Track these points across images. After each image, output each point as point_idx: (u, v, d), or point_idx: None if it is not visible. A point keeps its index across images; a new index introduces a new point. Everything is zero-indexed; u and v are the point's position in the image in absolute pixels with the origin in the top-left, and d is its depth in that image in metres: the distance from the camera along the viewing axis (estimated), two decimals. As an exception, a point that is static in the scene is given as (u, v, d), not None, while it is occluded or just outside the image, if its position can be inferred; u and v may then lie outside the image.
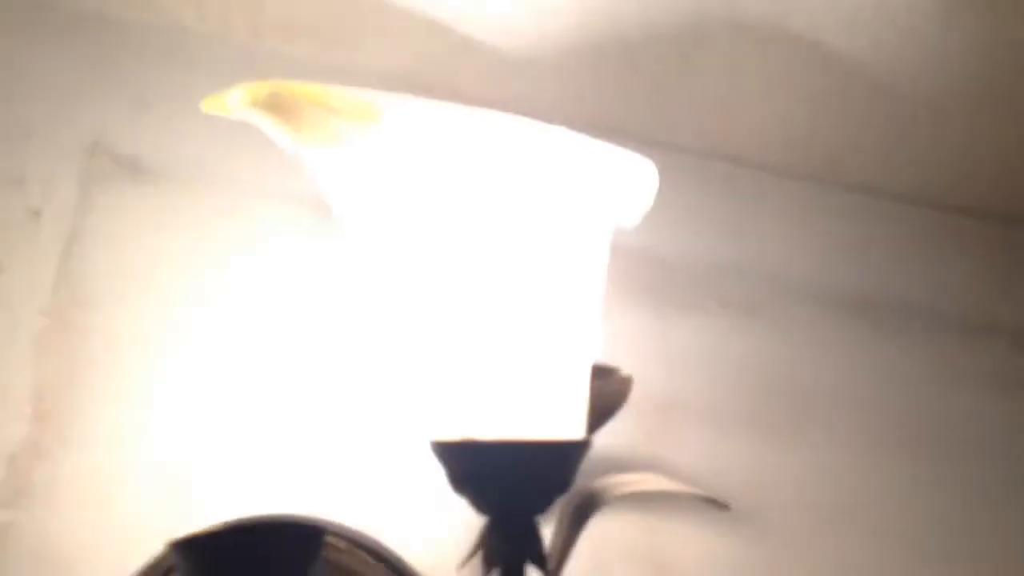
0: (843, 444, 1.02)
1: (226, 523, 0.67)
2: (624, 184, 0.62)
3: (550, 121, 0.97)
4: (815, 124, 1.05)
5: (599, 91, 0.99)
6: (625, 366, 0.86)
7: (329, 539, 0.64)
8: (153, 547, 0.67)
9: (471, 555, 0.60)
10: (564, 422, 0.60)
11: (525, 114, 0.97)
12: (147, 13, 0.88)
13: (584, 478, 0.65)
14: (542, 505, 0.60)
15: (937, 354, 1.12)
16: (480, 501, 0.60)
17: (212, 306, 0.80)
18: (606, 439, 0.77)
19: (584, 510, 0.64)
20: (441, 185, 0.55)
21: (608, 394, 0.72)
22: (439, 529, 0.77)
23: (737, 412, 0.97)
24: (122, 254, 0.79)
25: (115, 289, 0.78)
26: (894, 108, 1.01)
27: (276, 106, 0.53)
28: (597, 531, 0.70)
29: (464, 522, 0.72)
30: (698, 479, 0.91)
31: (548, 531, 0.63)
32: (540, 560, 0.59)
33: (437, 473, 0.61)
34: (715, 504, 0.67)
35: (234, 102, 0.53)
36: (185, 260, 0.81)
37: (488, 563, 0.59)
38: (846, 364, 1.07)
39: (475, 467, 0.58)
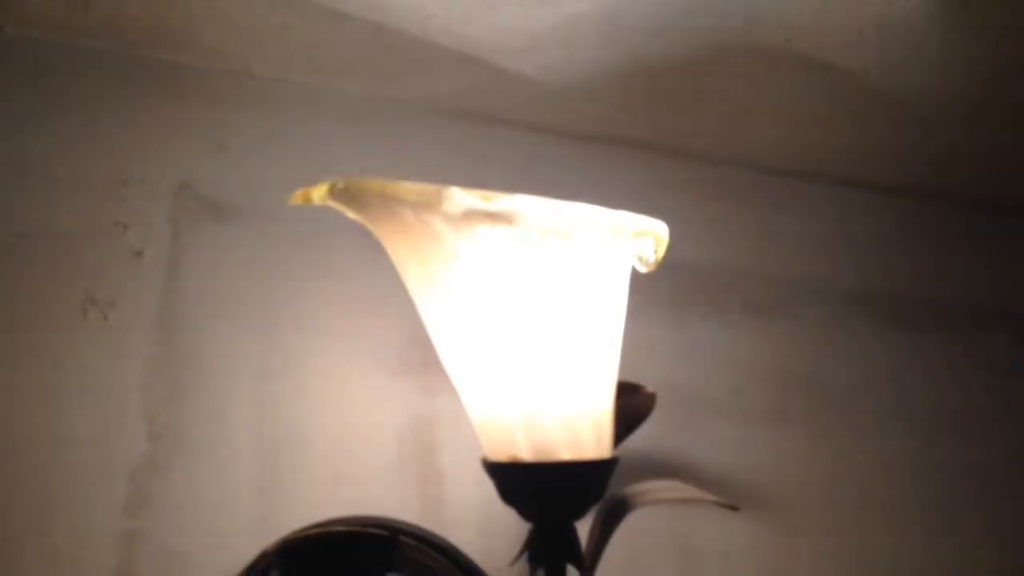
0: (861, 435, 1.10)
1: (315, 526, 0.78)
2: (643, 240, 0.71)
3: (582, 139, 1.07)
4: (827, 132, 1.12)
5: (626, 112, 1.07)
6: (654, 368, 0.96)
7: (401, 538, 0.75)
8: (254, 548, 0.79)
9: (519, 555, 0.71)
10: (596, 442, 0.70)
11: (558, 134, 1.07)
12: (217, 61, 0.97)
13: (620, 478, 0.76)
14: (578, 513, 0.71)
15: (951, 346, 1.19)
16: (525, 511, 0.71)
17: (295, 330, 0.91)
18: (638, 439, 0.88)
19: (615, 515, 0.75)
20: (495, 256, 0.65)
21: (634, 408, 0.82)
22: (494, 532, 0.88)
23: (760, 408, 1.05)
24: (214, 286, 0.89)
25: (211, 318, 0.88)
26: (901, 115, 1.08)
27: (350, 198, 0.64)
28: (630, 524, 0.80)
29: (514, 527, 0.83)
30: (723, 472, 1.00)
31: (584, 532, 0.74)
32: (578, 560, 0.70)
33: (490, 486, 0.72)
34: (726, 507, 0.77)
35: (316, 196, 0.63)
36: (268, 290, 0.91)
37: (533, 562, 0.70)
38: (864, 358, 1.14)
39: (521, 483, 0.70)
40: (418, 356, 0.91)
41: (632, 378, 0.85)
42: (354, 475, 0.88)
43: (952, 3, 0.90)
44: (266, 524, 0.83)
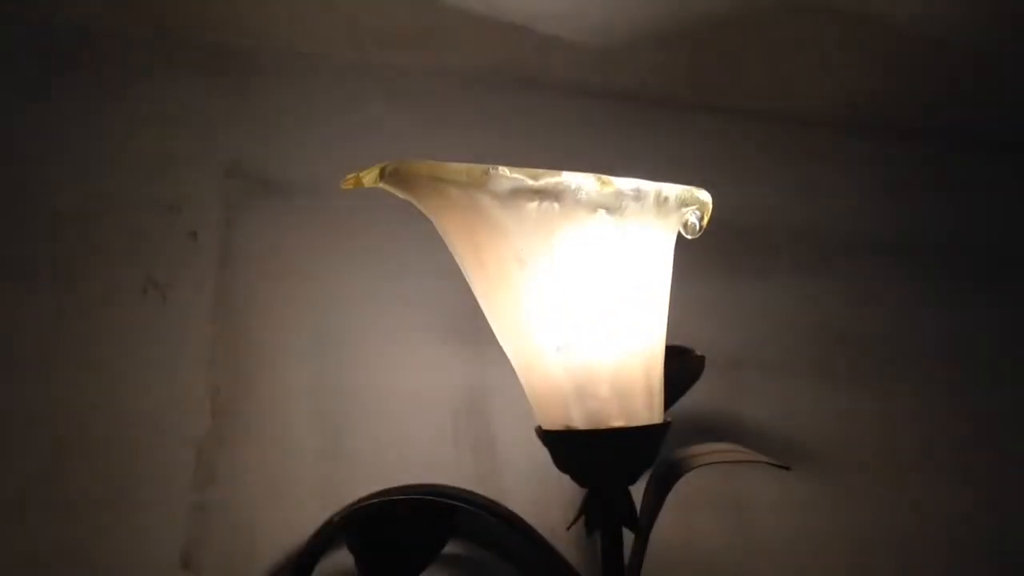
0: (906, 387, 1.10)
1: (376, 495, 0.81)
2: (689, 209, 0.72)
3: (627, 99, 1.07)
4: (869, 82, 1.11)
5: (668, 72, 1.08)
6: (702, 329, 0.97)
7: (460, 505, 0.78)
8: (318, 516, 0.83)
9: (576, 519, 0.73)
10: (647, 408, 0.72)
11: (601, 97, 1.07)
12: (263, 40, 0.98)
13: (672, 440, 0.77)
14: (632, 478, 0.72)
15: (998, 295, 1.18)
16: (580, 477, 0.73)
17: (348, 303, 0.93)
18: (689, 401, 0.89)
19: (668, 479, 0.77)
20: (542, 230, 0.67)
21: (684, 371, 0.83)
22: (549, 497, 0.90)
23: (806, 364, 1.06)
24: (268, 263, 0.92)
25: (267, 295, 0.90)
26: (942, 61, 1.07)
27: (399, 180, 0.65)
28: (683, 485, 0.81)
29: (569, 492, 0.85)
30: (771, 428, 1.01)
31: (639, 495, 0.76)
32: (633, 523, 0.72)
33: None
34: (778, 467, 0.78)
35: (367, 179, 0.65)
36: (321, 264, 0.93)
37: (590, 526, 0.72)
38: (910, 311, 1.14)
39: (574, 451, 0.71)
40: (469, 325, 0.92)
41: (680, 340, 0.86)
42: (411, 443, 0.90)
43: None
44: (328, 493, 0.85)
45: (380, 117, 1.01)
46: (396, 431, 0.90)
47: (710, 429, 0.97)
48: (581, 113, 1.08)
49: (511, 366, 0.75)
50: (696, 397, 0.89)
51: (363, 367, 0.91)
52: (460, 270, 0.73)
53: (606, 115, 1.10)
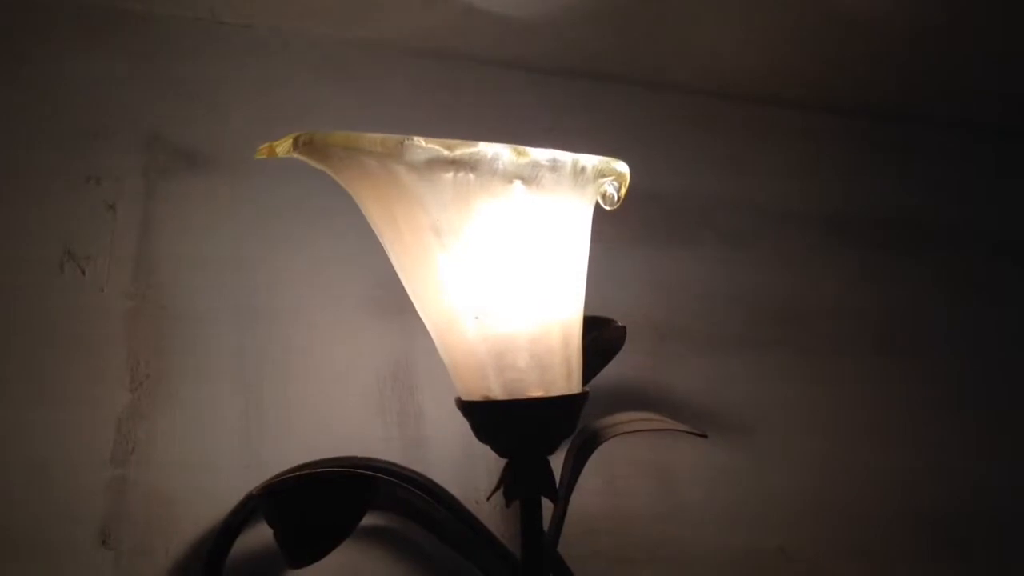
0: (824, 356, 1.13)
1: (296, 468, 0.81)
2: (606, 179, 0.72)
3: (552, 72, 1.07)
4: (795, 57, 1.13)
5: (596, 43, 1.08)
6: (626, 300, 0.98)
7: (381, 476, 0.78)
8: (240, 490, 0.83)
9: (495, 490, 0.73)
10: (565, 378, 0.72)
11: (528, 69, 1.07)
12: (183, 9, 0.96)
13: (595, 410, 0.78)
14: (550, 447, 0.73)
15: (919, 266, 1.21)
16: (499, 447, 0.73)
17: (270, 277, 0.92)
18: (611, 372, 0.90)
19: (586, 448, 0.77)
20: (458, 201, 0.66)
21: (605, 342, 0.84)
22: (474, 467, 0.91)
23: (731, 335, 1.08)
24: (188, 237, 0.91)
25: (187, 269, 0.89)
26: (868, 35, 1.08)
27: (314, 150, 0.65)
28: (608, 453, 0.83)
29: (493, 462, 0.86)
30: (696, 400, 1.03)
31: (557, 466, 0.77)
32: (552, 492, 0.72)
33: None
34: (695, 434, 0.79)
35: (280, 149, 0.64)
36: (242, 238, 0.92)
37: (508, 496, 0.72)
38: (820, 280, 1.17)
39: (494, 421, 0.72)
40: (393, 297, 0.92)
41: (605, 311, 0.87)
42: (336, 415, 0.90)
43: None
44: (251, 466, 0.85)
45: (305, 88, 1.00)
46: (321, 403, 0.90)
47: (633, 399, 0.98)
48: (508, 85, 1.09)
49: (437, 336, 0.75)
50: (619, 368, 0.91)
51: (286, 339, 0.91)
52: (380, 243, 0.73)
53: (533, 87, 1.10)
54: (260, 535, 0.81)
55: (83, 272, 0.86)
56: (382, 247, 0.73)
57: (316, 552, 0.72)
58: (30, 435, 0.80)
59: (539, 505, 0.73)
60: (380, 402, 0.91)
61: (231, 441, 0.86)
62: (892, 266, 1.22)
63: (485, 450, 0.74)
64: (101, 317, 0.86)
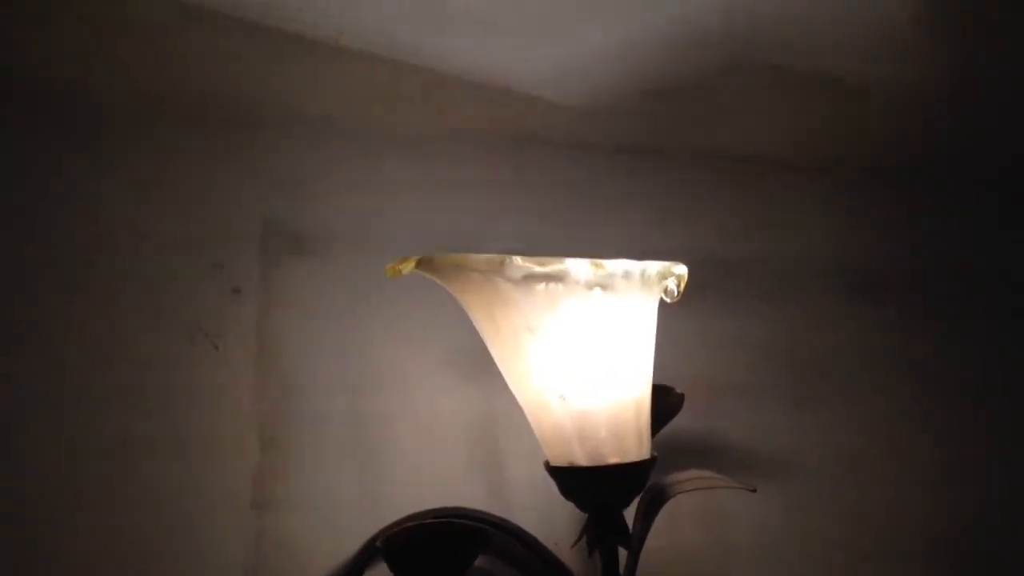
0: (860, 402, 1.25)
1: (410, 518, 0.96)
2: (667, 280, 0.86)
3: (605, 150, 1.21)
4: (821, 127, 1.26)
5: (643, 126, 1.22)
6: (680, 357, 1.11)
7: (490, 529, 0.92)
8: (355, 535, 0.97)
9: (579, 539, 0.88)
10: (637, 446, 0.86)
11: (585, 148, 1.21)
12: (288, 107, 1.11)
13: (661, 461, 0.91)
14: (625, 503, 0.87)
15: (932, 316, 1.33)
16: (582, 504, 0.88)
17: (373, 345, 1.06)
18: (670, 427, 1.03)
19: (655, 504, 0.92)
20: (549, 305, 0.81)
21: (667, 407, 0.98)
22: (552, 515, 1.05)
23: (774, 388, 1.21)
24: (303, 312, 1.05)
25: (303, 341, 1.04)
26: (878, 106, 1.21)
27: (432, 268, 0.79)
28: (669, 501, 0.96)
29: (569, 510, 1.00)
30: (744, 445, 1.16)
31: (631, 516, 0.91)
32: (626, 542, 0.87)
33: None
34: (744, 489, 0.93)
35: (405, 269, 0.78)
36: (348, 312, 1.06)
37: (591, 545, 0.87)
38: (853, 331, 1.28)
39: (578, 483, 0.86)
40: (479, 363, 1.04)
41: (659, 369, 1.00)
42: (431, 467, 1.04)
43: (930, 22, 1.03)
44: (365, 515, 0.99)
45: (392, 173, 1.14)
46: (418, 457, 1.04)
47: (687, 451, 1.11)
48: (568, 161, 1.22)
49: (513, 400, 0.89)
50: (675, 425, 1.04)
51: (389, 401, 1.05)
52: (468, 319, 0.87)
53: (589, 162, 1.23)
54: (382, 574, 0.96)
55: (216, 347, 1.01)
56: (466, 323, 0.87)
57: (432, 594, 0.86)
58: (179, 489, 0.95)
59: (616, 553, 0.87)
60: (468, 455, 1.06)
61: (345, 492, 1.00)
62: (913, 319, 1.33)
63: (559, 499, 0.88)
64: (232, 387, 1.00)
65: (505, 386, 0.89)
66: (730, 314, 1.22)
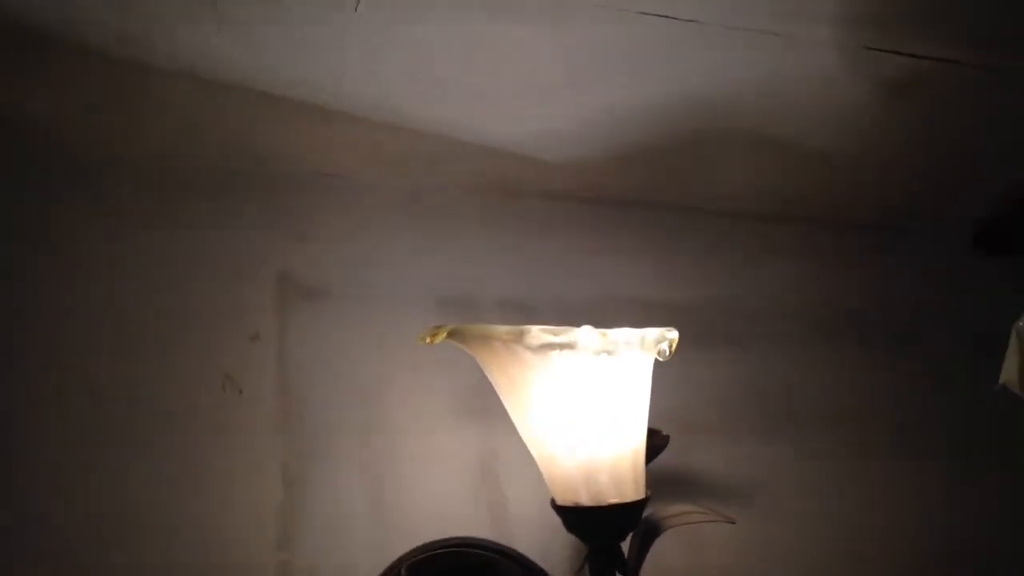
0: (824, 437, 1.37)
1: (421, 549, 1.06)
2: (662, 343, 0.98)
3: (590, 202, 1.33)
4: (788, 184, 1.39)
5: (625, 182, 1.33)
6: (662, 398, 1.22)
7: (503, 560, 1.04)
8: (374, 563, 1.07)
9: (580, 567, 1.00)
10: (633, 487, 0.98)
11: (570, 199, 1.32)
12: (299, 166, 1.21)
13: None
14: (622, 536, 0.99)
15: (895, 360, 1.46)
16: (584, 537, 0.99)
17: (383, 387, 1.16)
18: (654, 462, 1.15)
19: (648, 537, 1.03)
20: (562, 369, 0.92)
21: (653, 447, 1.10)
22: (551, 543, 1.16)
23: (745, 424, 1.33)
24: (318, 357, 1.15)
25: (319, 385, 1.14)
26: (838, 166, 1.34)
27: (460, 337, 0.90)
28: (652, 528, 1.08)
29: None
30: (716, 477, 1.28)
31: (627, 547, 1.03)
32: (625, 570, 0.99)
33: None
34: (725, 521, 1.06)
35: (437, 339, 0.89)
36: (359, 356, 1.16)
37: (592, 573, 0.99)
38: (821, 373, 1.41)
39: (582, 521, 0.98)
40: (481, 405, 1.16)
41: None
42: (438, 501, 1.14)
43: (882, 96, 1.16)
44: (379, 544, 1.09)
45: (393, 224, 1.24)
46: (426, 492, 1.14)
47: (669, 482, 1.23)
48: (556, 212, 1.33)
49: (516, 438, 0.99)
50: (658, 460, 1.15)
51: (400, 440, 1.15)
52: (472, 361, 0.97)
53: (575, 213, 1.34)
54: (399, 600, 1.06)
55: (240, 391, 1.10)
56: (469, 365, 0.98)
57: (452, 618, 0.97)
58: (212, 523, 1.04)
59: (615, 580, 0.99)
60: (474, 488, 1.16)
61: (361, 525, 1.10)
62: (875, 358, 1.45)
63: (557, 528, 0.99)
64: (257, 427, 1.10)
65: (507, 428, 1.00)
66: (702, 357, 1.33)
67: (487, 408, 1.17)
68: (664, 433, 1.11)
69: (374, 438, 1.15)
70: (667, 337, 0.99)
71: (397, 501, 1.13)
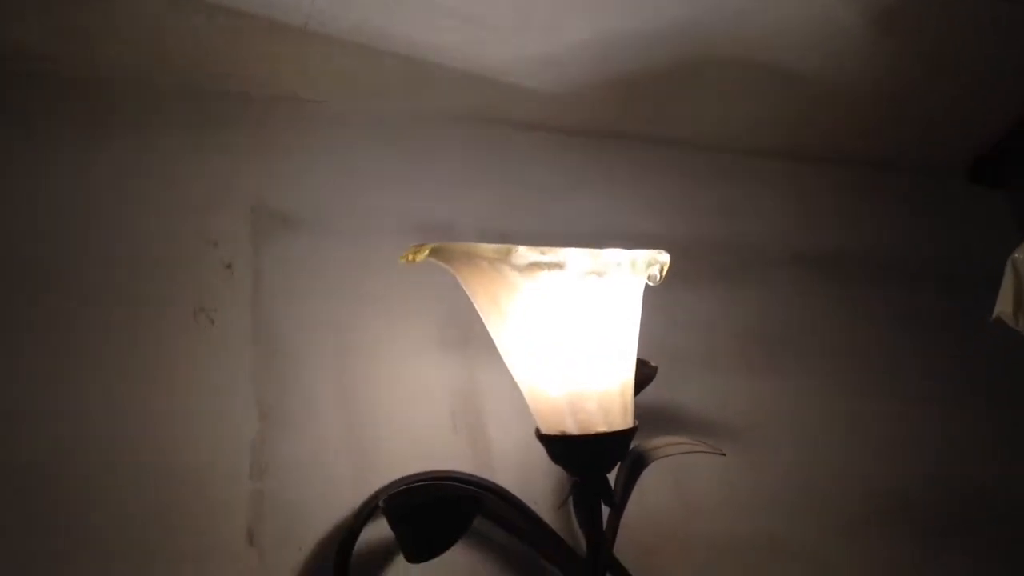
0: (811, 374, 1.36)
1: (401, 481, 1.03)
2: (653, 267, 0.95)
3: (579, 133, 1.29)
4: (778, 118, 1.36)
5: (615, 111, 1.30)
6: (650, 333, 1.20)
7: (485, 493, 1.00)
8: (348, 495, 1.04)
9: (565, 499, 0.97)
10: (622, 415, 0.95)
11: (556, 131, 1.28)
12: (273, 91, 1.16)
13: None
14: (609, 467, 0.96)
15: (874, 295, 1.45)
16: (569, 468, 0.96)
17: (360, 318, 1.12)
18: (642, 394, 1.12)
19: (636, 468, 1.01)
20: (550, 290, 0.89)
21: (643, 376, 1.07)
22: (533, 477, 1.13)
23: (729, 358, 1.31)
24: (292, 288, 1.10)
25: (294, 316, 1.09)
26: (835, 98, 1.32)
27: (444, 256, 0.87)
28: (637, 462, 1.05)
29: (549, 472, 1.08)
30: (702, 411, 1.26)
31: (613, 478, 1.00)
32: (611, 500, 0.96)
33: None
34: (715, 453, 1.03)
35: (419, 257, 0.85)
36: (336, 287, 1.12)
37: (578, 505, 0.96)
38: (806, 309, 1.39)
39: (569, 451, 0.94)
40: (462, 335, 1.13)
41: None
42: (418, 434, 1.10)
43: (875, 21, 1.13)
44: (357, 476, 1.05)
45: (373, 154, 1.20)
46: (405, 424, 1.10)
47: (656, 416, 1.21)
48: (541, 143, 1.29)
49: (497, 368, 0.97)
50: (646, 393, 1.12)
51: (377, 371, 1.11)
52: (452, 288, 0.94)
53: (560, 144, 1.31)
54: (378, 534, 1.02)
55: (212, 322, 1.06)
56: (457, 295, 0.95)
57: (432, 552, 0.94)
58: (183, 456, 1.00)
59: (601, 511, 0.96)
60: (452, 421, 1.13)
61: (340, 456, 1.06)
62: (860, 298, 1.44)
63: (542, 463, 0.97)
64: (230, 359, 1.06)
65: (490, 359, 0.97)
66: (689, 292, 1.31)
67: (469, 339, 1.15)
68: (652, 364, 1.08)
69: (351, 369, 1.11)
70: (658, 260, 0.95)
71: (375, 434, 1.09)
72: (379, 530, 1.02)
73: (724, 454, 1.03)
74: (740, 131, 1.39)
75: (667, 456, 1.01)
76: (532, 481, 1.12)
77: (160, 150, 1.10)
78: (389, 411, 1.11)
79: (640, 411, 1.02)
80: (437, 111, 1.24)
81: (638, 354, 1.01)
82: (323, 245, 1.14)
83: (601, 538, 0.97)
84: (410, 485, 1.00)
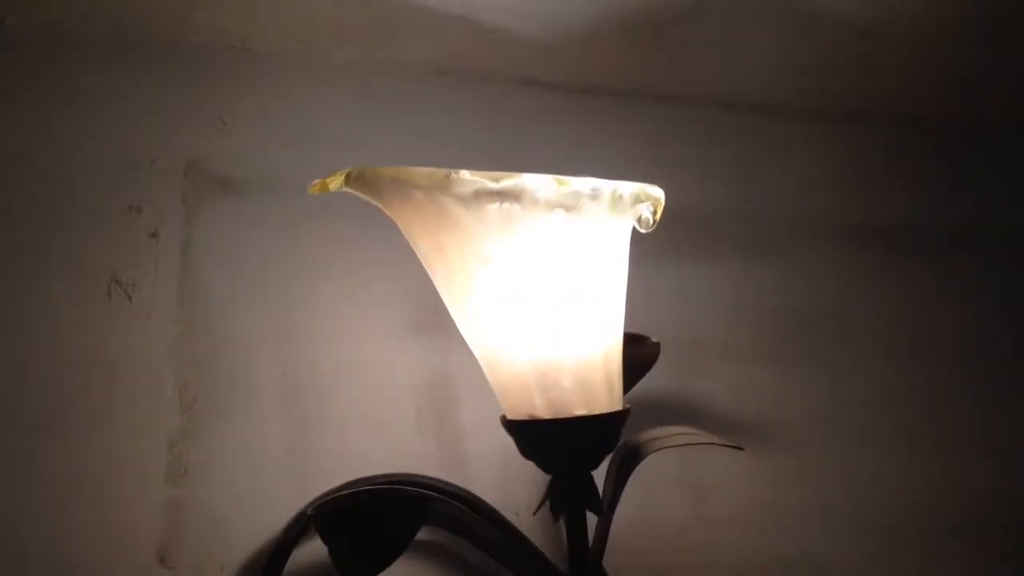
0: (853, 364, 1.17)
1: (346, 486, 0.84)
2: (642, 204, 0.75)
3: (578, 90, 1.11)
4: (811, 71, 1.16)
5: (613, 62, 1.11)
6: (656, 312, 1.01)
7: (434, 495, 0.81)
8: (290, 507, 0.86)
9: (541, 504, 0.76)
10: (607, 396, 0.75)
11: (549, 87, 1.10)
12: (216, 38, 0.99)
13: (631, 423, 0.80)
14: (594, 463, 0.76)
15: (921, 270, 1.25)
16: (545, 464, 0.76)
17: (309, 298, 0.95)
18: (645, 384, 0.92)
19: (629, 463, 0.80)
20: (504, 230, 0.69)
21: (641, 357, 0.87)
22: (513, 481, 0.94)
23: (751, 343, 1.12)
24: (229, 262, 0.93)
25: (229, 292, 0.92)
26: (873, 47, 1.12)
27: (365, 184, 0.68)
28: (644, 463, 0.85)
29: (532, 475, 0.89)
30: (721, 405, 1.06)
31: (601, 479, 0.80)
32: (596, 506, 0.76)
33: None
34: (731, 447, 0.82)
35: (333, 184, 0.67)
36: (280, 260, 0.95)
37: (555, 511, 0.75)
38: (842, 288, 1.20)
39: (539, 439, 0.75)
40: (429, 317, 0.95)
41: (632, 325, 0.89)
42: (377, 433, 0.92)
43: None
44: (298, 484, 0.88)
45: (333, 111, 1.03)
46: (362, 422, 0.92)
47: (666, 410, 1.01)
48: (530, 102, 1.11)
49: (471, 356, 0.78)
50: (651, 380, 0.93)
51: (326, 359, 0.94)
52: (419, 264, 0.76)
53: (554, 104, 1.13)
54: (313, 551, 0.84)
55: (130, 298, 0.89)
56: (420, 269, 0.77)
57: (371, 569, 0.74)
58: (84, 458, 0.83)
59: (584, 519, 0.76)
60: (418, 418, 0.94)
61: (279, 459, 0.89)
62: (904, 275, 1.25)
63: (523, 464, 0.77)
64: (149, 341, 0.89)
65: (460, 345, 0.79)
66: (705, 266, 1.13)
67: (437, 322, 0.96)
68: (654, 340, 0.87)
69: (295, 356, 0.93)
70: (650, 195, 0.75)
71: (323, 433, 0.91)
72: (317, 547, 0.82)
73: (742, 448, 0.82)
74: (760, 85, 1.19)
75: (668, 448, 0.80)
76: (515, 489, 0.93)
77: (81, 99, 0.93)
78: (341, 406, 0.93)
79: (641, 405, 0.85)
80: (406, 60, 1.07)
81: (637, 329, 0.82)
82: (269, 213, 0.97)
83: (586, 555, 0.76)
84: (345, 492, 0.80)
